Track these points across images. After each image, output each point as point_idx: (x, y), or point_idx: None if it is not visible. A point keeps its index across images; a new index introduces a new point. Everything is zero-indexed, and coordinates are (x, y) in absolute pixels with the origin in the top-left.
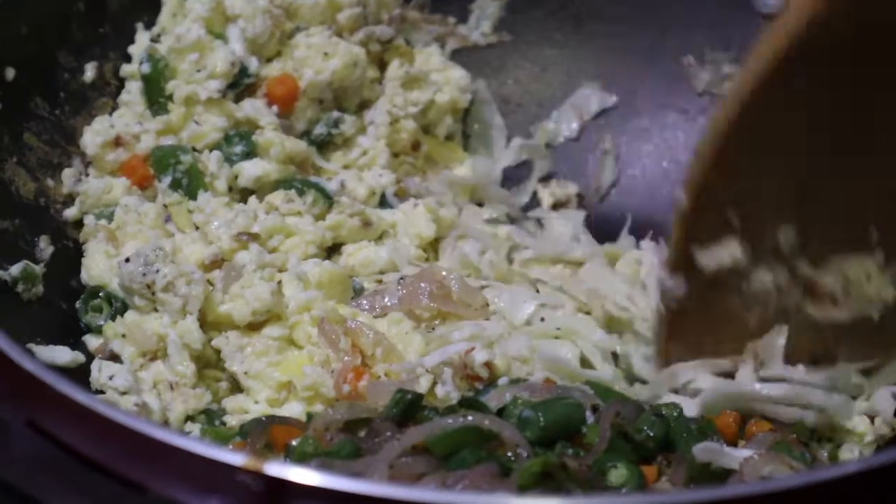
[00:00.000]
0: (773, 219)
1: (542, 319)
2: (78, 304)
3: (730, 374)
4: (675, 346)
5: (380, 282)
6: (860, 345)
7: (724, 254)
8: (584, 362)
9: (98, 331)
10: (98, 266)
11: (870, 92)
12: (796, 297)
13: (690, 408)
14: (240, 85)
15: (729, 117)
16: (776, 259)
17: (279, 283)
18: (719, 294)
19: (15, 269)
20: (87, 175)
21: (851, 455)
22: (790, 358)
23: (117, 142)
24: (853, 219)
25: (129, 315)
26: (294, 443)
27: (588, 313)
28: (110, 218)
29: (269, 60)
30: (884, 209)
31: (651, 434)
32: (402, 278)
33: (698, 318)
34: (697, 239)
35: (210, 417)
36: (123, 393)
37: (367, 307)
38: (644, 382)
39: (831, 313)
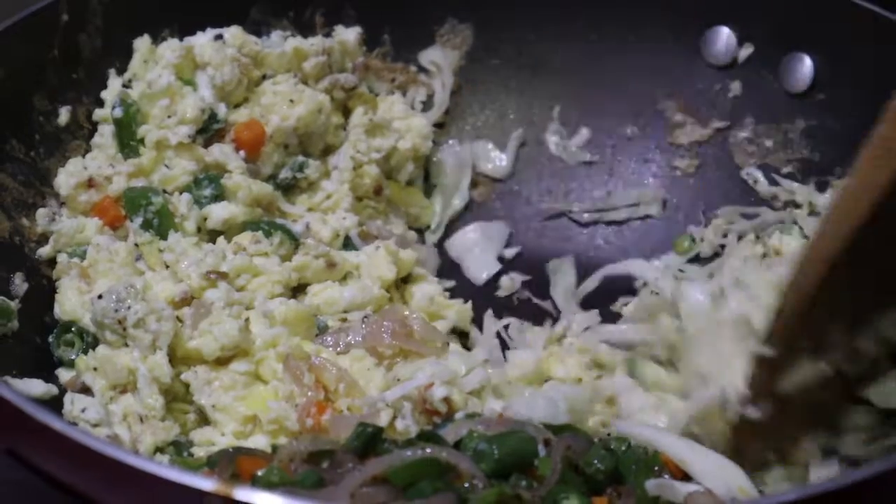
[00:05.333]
0: (839, 334)
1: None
2: (51, 339)
3: None
4: (749, 450)
5: (344, 320)
6: None
7: (800, 376)
8: None
9: (70, 364)
10: (70, 302)
11: None
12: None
13: None
14: (209, 130)
15: (811, 282)
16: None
17: (247, 320)
18: (789, 398)
19: None
20: (61, 215)
21: None
22: None
23: (90, 183)
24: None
25: (101, 349)
26: (260, 473)
27: None
28: (83, 256)
29: (236, 106)
30: None
31: (601, 467)
32: (366, 317)
33: (770, 421)
34: (780, 376)
35: (178, 449)
36: (95, 425)
37: (330, 344)
38: None
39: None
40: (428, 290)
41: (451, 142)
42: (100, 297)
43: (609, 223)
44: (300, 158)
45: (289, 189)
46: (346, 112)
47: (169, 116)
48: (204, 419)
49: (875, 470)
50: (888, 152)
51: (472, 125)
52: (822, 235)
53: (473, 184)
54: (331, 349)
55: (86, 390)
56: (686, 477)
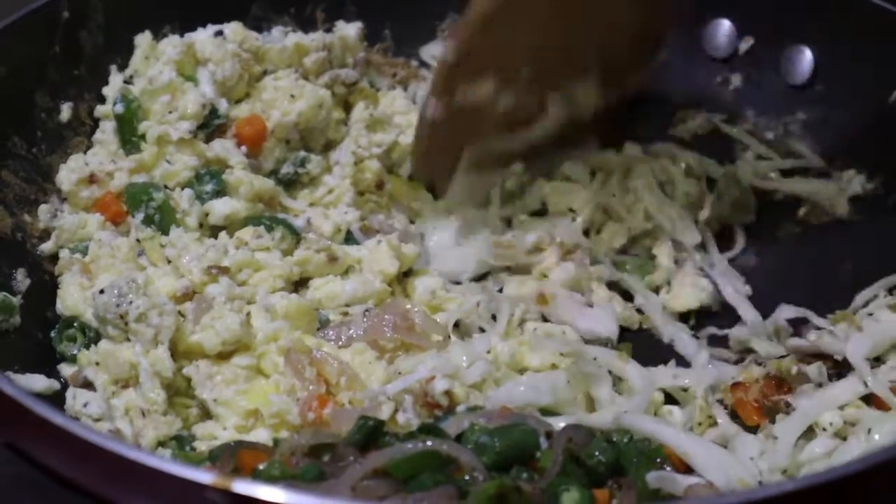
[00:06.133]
0: (516, 62)
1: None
2: (53, 334)
3: None
4: (431, 157)
5: (345, 314)
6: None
7: (480, 91)
8: None
9: (72, 359)
10: (73, 297)
11: None
12: (530, 108)
13: None
14: (210, 126)
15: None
16: (516, 86)
17: (248, 314)
18: (469, 113)
19: None
20: (63, 211)
21: None
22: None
23: (91, 179)
24: (574, 54)
25: (103, 344)
26: (261, 466)
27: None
28: (85, 252)
29: (237, 102)
30: (595, 42)
31: (602, 459)
32: (367, 310)
33: (451, 131)
34: (460, 83)
35: (180, 443)
36: (97, 420)
37: (332, 338)
38: None
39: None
40: (429, 283)
41: None
42: (101, 291)
43: None
44: (301, 153)
45: (290, 184)
46: (348, 107)
47: (170, 112)
48: (206, 413)
49: (872, 461)
50: None
51: None
52: None
53: None
54: (332, 343)
55: (88, 385)
56: (688, 470)
